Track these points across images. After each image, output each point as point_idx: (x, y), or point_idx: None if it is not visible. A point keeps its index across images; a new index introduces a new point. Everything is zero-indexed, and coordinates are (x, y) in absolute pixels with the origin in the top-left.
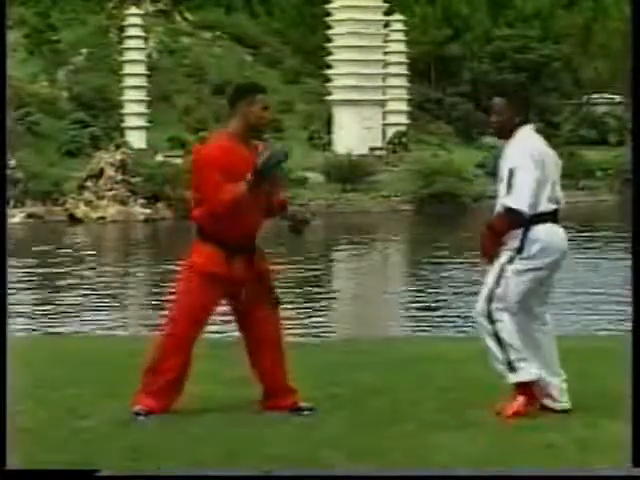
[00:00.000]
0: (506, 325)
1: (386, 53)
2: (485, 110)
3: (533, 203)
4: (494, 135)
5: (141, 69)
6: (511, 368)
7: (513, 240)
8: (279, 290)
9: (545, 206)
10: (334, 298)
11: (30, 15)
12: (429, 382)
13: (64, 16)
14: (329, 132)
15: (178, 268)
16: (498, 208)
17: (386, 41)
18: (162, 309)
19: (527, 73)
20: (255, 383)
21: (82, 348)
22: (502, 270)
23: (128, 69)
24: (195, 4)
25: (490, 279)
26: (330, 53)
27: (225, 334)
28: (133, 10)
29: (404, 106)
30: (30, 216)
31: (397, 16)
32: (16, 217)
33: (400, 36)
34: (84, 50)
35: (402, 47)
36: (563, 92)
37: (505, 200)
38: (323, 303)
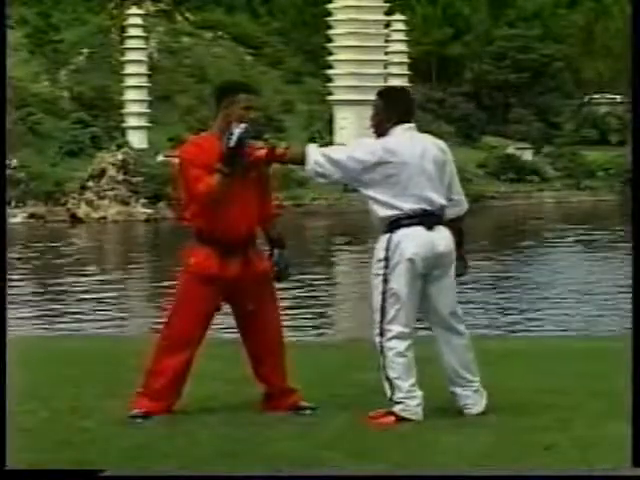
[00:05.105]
0: (395, 357)
1: (387, 53)
2: (485, 108)
3: (323, 173)
4: (373, 133)
5: (142, 69)
6: (395, 402)
7: (379, 251)
8: (280, 290)
9: (408, 209)
10: (335, 296)
11: (31, 15)
12: (429, 382)
13: (65, 16)
14: (330, 132)
15: (178, 268)
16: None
17: (387, 41)
18: (163, 309)
19: (528, 73)
20: (256, 383)
21: (83, 348)
22: (384, 292)
23: (129, 69)
24: (196, 4)
25: (375, 304)
26: (331, 53)
27: (227, 333)
28: (134, 10)
29: None
30: (32, 216)
31: (398, 16)
32: (18, 217)
33: (401, 36)
34: (85, 50)
35: (403, 47)
36: (564, 92)
37: (316, 150)
38: (324, 303)
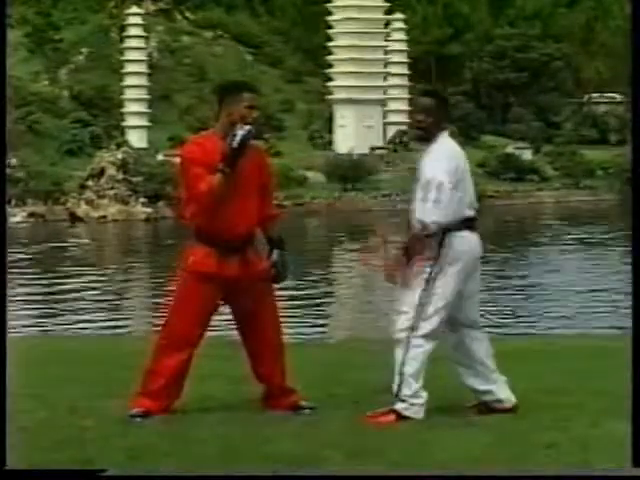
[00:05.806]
0: (418, 355)
1: (387, 52)
2: (484, 108)
3: (446, 214)
4: (416, 135)
5: (142, 68)
6: (400, 399)
7: (429, 250)
8: (278, 290)
9: (460, 214)
10: (335, 296)
11: (31, 14)
12: (430, 382)
13: (65, 15)
14: (330, 131)
15: (178, 267)
16: (414, 221)
17: (387, 40)
18: (162, 309)
19: (528, 72)
20: (256, 383)
21: (82, 348)
22: (426, 290)
23: (129, 68)
24: (196, 3)
25: (413, 300)
26: (331, 52)
27: (226, 333)
28: (134, 9)
29: (405, 105)
30: (31, 215)
31: (398, 15)
32: (17, 216)
33: (401, 35)
34: (85, 49)
35: (403, 46)
36: (564, 91)
37: (420, 214)
38: (324, 302)
